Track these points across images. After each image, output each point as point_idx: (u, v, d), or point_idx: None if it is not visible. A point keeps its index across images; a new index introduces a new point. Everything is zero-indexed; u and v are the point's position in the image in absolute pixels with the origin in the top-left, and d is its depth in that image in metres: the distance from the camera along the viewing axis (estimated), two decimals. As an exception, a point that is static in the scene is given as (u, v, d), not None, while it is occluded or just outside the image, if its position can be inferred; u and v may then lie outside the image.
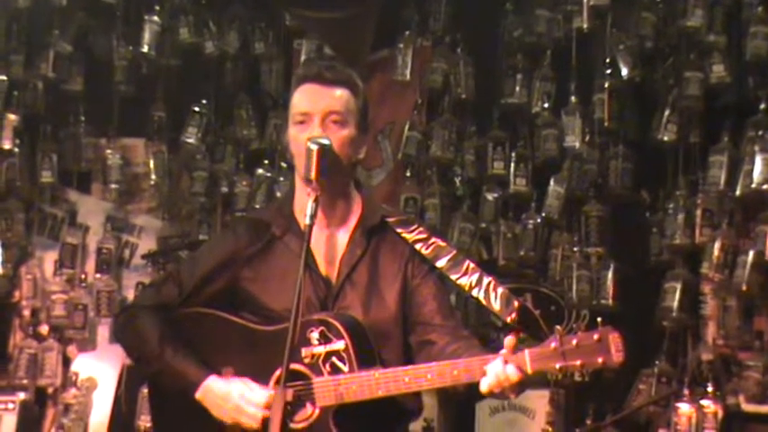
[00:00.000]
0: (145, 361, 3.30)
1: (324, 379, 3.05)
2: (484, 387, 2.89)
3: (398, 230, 3.24)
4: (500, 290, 3.14)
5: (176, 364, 3.20)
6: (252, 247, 3.26)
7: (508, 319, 3.12)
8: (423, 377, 2.98)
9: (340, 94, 3.17)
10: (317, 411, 3.06)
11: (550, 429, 5.22)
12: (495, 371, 2.87)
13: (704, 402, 5.04)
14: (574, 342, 2.81)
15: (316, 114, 3.14)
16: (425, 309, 3.19)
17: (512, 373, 2.85)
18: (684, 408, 5.05)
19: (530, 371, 2.85)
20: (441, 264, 3.20)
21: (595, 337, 2.80)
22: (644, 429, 5.26)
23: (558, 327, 2.85)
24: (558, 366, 2.82)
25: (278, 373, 2.96)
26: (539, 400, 5.35)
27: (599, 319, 2.83)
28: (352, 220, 3.25)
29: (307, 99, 3.18)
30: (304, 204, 3.07)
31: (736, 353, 5.15)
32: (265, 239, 3.26)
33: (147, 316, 3.30)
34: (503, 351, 2.89)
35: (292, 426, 3.05)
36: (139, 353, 3.33)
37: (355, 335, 3.07)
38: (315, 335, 3.07)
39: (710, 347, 5.17)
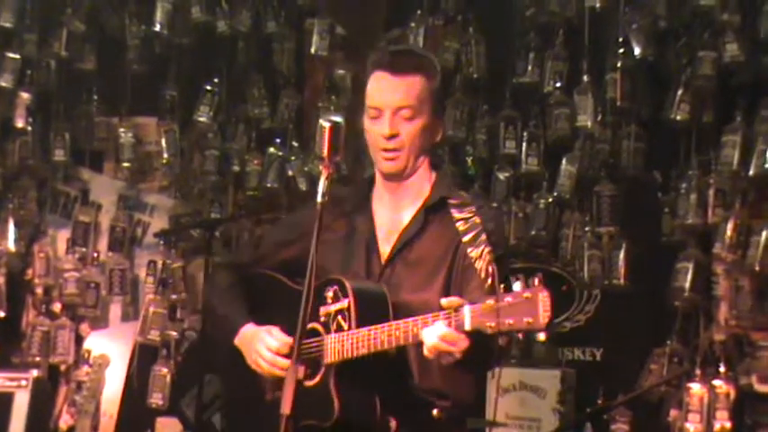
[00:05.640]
0: (206, 312, 3.55)
1: (329, 337, 3.11)
2: (426, 351, 2.87)
3: (452, 212, 3.21)
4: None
5: (226, 312, 3.36)
6: (328, 227, 3.25)
7: None
8: (392, 335, 2.96)
9: (412, 84, 3.17)
10: (323, 369, 3.11)
11: (561, 409, 5.21)
12: (435, 333, 2.84)
13: (716, 383, 5.03)
14: (507, 300, 2.72)
15: (386, 110, 3.16)
16: (470, 292, 3.11)
17: (448, 332, 2.82)
18: (696, 388, 5.04)
19: (468, 328, 2.80)
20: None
21: (525, 295, 2.69)
22: (655, 409, 5.25)
23: (502, 284, 2.74)
24: (491, 324, 2.74)
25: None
26: (550, 380, 5.34)
27: (539, 275, 2.71)
28: (420, 201, 3.26)
29: (378, 92, 3.19)
30: (382, 194, 3.17)
31: (749, 333, 5.13)
32: (339, 216, 3.30)
33: (220, 273, 3.64)
34: (443, 302, 2.87)
35: (306, 383, 3.04)
36: (204, 306, 3.56)
37: (360, 295, 3.09)
38: (330, 294, 3.14)
39: (723, 327, 5.15)
